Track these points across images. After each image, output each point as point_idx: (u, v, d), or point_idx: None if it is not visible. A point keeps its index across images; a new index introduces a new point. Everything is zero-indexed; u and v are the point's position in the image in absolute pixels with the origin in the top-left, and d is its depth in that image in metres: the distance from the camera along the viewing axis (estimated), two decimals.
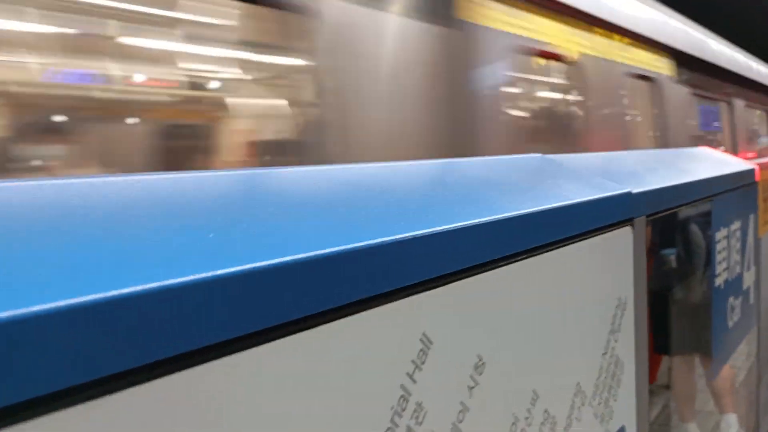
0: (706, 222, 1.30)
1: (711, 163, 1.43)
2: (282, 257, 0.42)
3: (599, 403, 0.83)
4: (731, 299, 1.39)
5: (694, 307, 1.53)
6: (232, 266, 0.38)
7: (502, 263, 0.65)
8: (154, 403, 0.33)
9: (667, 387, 1.78)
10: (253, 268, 0.39)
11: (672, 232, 1.48)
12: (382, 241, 0.49)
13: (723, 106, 4.19)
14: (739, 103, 4.34)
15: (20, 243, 0.35)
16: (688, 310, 1.50)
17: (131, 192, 0.47)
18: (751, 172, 1.52)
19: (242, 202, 0.53)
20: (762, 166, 2.19)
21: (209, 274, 0.36)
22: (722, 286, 1.32)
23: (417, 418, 0.53)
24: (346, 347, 0.47)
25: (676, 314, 1.46)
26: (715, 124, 4.35)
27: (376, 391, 0.49)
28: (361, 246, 0.46)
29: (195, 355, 0.35)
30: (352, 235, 0.48)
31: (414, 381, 0.53)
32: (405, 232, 0.51)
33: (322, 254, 0.44)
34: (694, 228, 1.45)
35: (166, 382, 0.34)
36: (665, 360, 1.67)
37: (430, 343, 0.55)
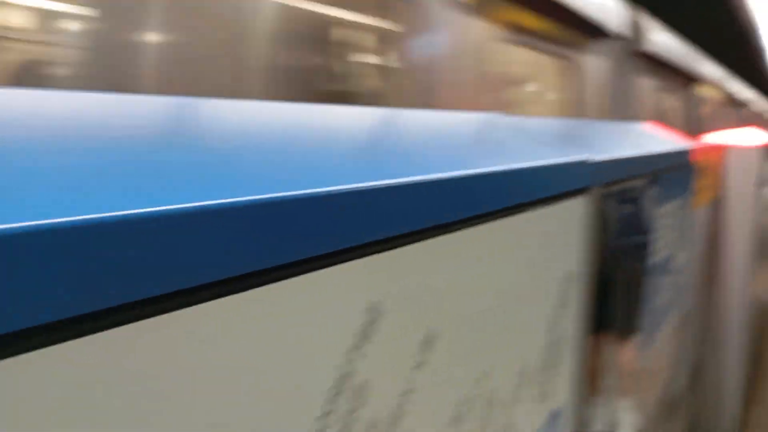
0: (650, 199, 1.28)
1: (655, 139, 1.40)
2: (199, 201, 0.32)
3: (541, 383, 0.78)
4: (664, 277, 1.39)
5: (620, 286, 1.53)
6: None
7: (456, 228, 0.57)
8: None
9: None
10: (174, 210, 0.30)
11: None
12: (321, 192, 0.40)
13: None
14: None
15: None
16: (612, 289, 1.49)
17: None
18: (690, 152, 1.51)
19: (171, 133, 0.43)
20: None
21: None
22: (657, 265, 1.31)
23: (358, 400, 0.45)
24: (279, 314, 0.38)
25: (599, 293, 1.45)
26: None
27: (313, 367, 0.41)
28: (294, 196, 0.37)
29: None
30: (282, 184, 0.38)
31: (356, 358, 0.44)
32: (346, 184, 0.42)
33: (246, 201, 0.34)
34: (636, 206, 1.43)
35: None
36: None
37: (379, 314, 0.47)
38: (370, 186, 0.45)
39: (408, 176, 0.50)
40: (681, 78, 4.47)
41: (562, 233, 0.83)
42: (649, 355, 1.79)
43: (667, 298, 1.47)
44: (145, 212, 0.29)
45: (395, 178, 0.48)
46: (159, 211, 0.30)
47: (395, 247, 0.49)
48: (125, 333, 0.29)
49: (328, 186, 0.41)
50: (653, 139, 1.41)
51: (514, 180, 0.68)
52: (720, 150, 3.27)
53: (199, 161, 0.39)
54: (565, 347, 0.85)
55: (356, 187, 0.43)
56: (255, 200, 0.35)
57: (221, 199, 0.33)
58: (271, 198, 0.36)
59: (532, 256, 0.75)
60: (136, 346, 0.29)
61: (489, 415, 0.66)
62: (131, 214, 0.28)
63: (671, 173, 1.33)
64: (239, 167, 0.40)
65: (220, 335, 0.34)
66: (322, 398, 0.42)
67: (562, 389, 0.87)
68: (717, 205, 3.39)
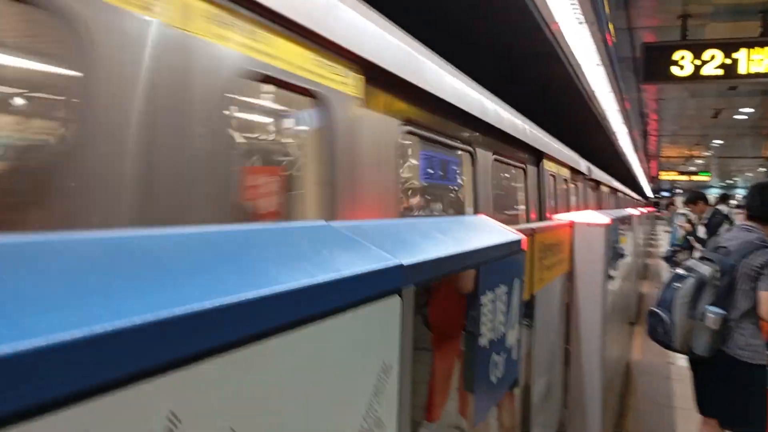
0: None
1: (485, 231, 1.60)
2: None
3: None
4: (495, 356, 1.56)
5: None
6: None
7: (269, 336, 0.68)
8: None
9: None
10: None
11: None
12: (131, 323, 0.50)
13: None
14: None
15: None
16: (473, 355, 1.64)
17: None
18: (518, 241, 1.72)
19: None
20: (537, 230, 2.48)
21: None
22: (486, 345, 1.47)
23: None
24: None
25: (469, 357, 1.59)
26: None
27: None
28: (94, 334, 0.47)
29: None
30: (84, 317, 0.48)
31: None
32: (148, 312, 0.52)
33: (46, 345, 0.43)
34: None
35: None
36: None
37: (179, 421, 0.56)
38: (199, 309, 0.55)
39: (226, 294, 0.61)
40: (596, 184, 9.01)
41: (378, 330, 0.96)
42: (509, 412, 1.94)
43: (501, 371, 1.64)
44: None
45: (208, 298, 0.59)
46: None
47: (202, 359, 0.59)
48: None
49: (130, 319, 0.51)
50: (484, 231, 1.60)
51: (326, 289, 0.80)
52: (569, 228, 3.62)
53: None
54: (383, 430, 0.96)
55: (173, 316, 0.53)
56: (64, 341, 0.44)
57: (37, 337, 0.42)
58: (75, 338, 0.45)
59: (349, 351, 0.87)
60: None
61: None
62: None
63: (495, 263, 1.52)
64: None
65: None
66: None
67: None
68: (571, 278, 3.72)
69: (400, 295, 1.00)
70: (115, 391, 0.49)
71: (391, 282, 0.97)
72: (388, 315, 0.98)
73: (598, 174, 9.67)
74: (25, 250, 0.55)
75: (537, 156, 5.23)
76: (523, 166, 4.81)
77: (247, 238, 0.85)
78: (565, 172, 6.58)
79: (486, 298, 1.45)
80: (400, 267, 1.00)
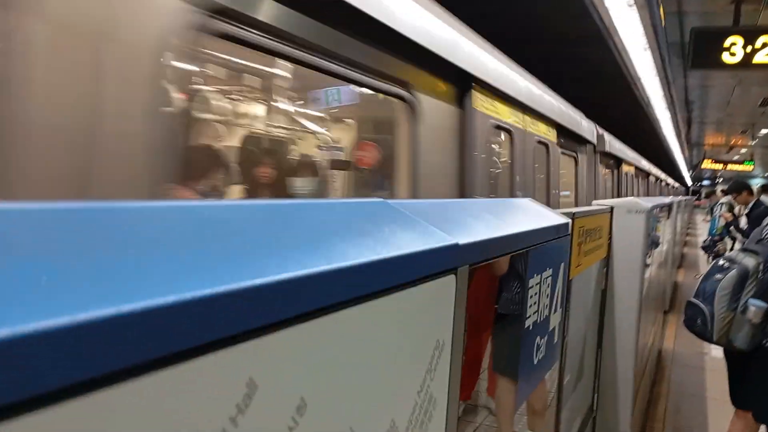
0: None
1: (533, 214, 1.60)
2: (102, 310, 0.43)
3: None
4: (538, 339, 1.56)
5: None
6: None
7: (334, 310, 0.70)
8: None
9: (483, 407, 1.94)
10: (85, 320, 0.41)
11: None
12: (205, 294, 0.52)
13: None
14: None
15: None
16: (511, 338, 1.66)
17: None
18: (566, 225, 1.71)
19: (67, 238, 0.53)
20: (577, 215, 2.47)
21: None
22: (531, 328, 1.48)
23: None
24: (172, 397, 0.49)
25: (506, 339, 1.61)
26: None
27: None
28: (185, 299, 0.49)
29: None
30: (178, 285, 0.50)
31: (236, 424, 0.55)
32: (232, 283, 0.54)
33: (147, 307, 0.45)
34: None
35: None
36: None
37: (255, 387, 0.58)
38: (275, 280, 0.57)
39: (301, 267, 0.63)
40: (638, 171, 7.69)
41: (434, 308, 0.97)
42: (542, 395, 1.95)
43: (542, 354, 1.64)
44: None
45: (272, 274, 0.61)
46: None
47: (271, 331, 0.61)
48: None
49: (217, 287, 0.53)
50: (531, 214, 1.60)
51: (390, 266, 0.82)
52: (609, 214, 3.58)
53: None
54: (435, 406, 0.98)
55: (253, 285, 0.55)
56: (162, 305, 0.46)
57: (138, 302, 0.44)
58: (171, 302, 0.48)
59: (406, 328, 0.89)
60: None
61: None
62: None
63: (545, 246, 1.52)
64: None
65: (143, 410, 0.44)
66: None
67: None
68: (607, 264, 3.68)
69: (455, 275, 1.01)
70: (204, 355, 0.51)
71: (448, 261, 0.98)
72: (443, 293, 0.99)
73: (640, 162, 8.94)
74: (110, 217, 0.57)
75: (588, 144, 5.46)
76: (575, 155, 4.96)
77: (311, 212, 0.86)
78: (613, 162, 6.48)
79: (533, 281, 1.45)
80: (457, 247, 1.01)
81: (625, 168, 8.56)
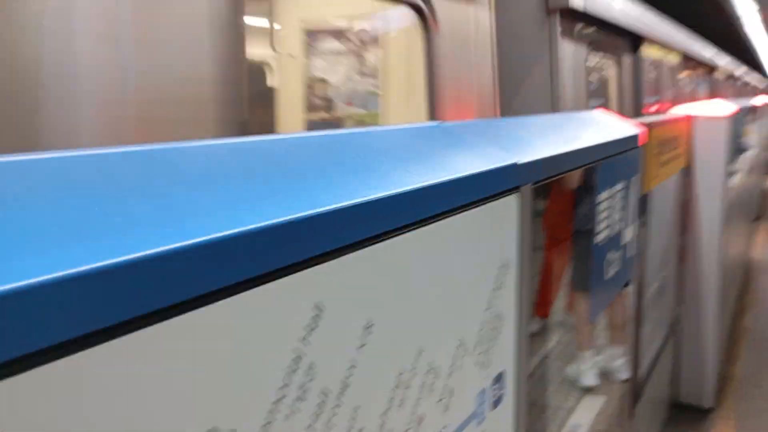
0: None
1: (600, 127, 1.55)
2: (180, 241, 0.46)
3: (480, 353, 0.93)
4: (610, 254, 1.54)
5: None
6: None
7: (395, 234, 0.72)
8: None
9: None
10: (153, 254, 0.44)
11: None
12: (276, 222, 0.55)
13: None
14: None
15: None
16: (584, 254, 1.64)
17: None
18: (635, 137, 1.66)
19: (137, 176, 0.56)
20: (653, 125, 2.36)
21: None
22: (602, 243, 1.46)
23: (309, 375, 0.60)
24: (246, 318, 0.52)
25: (580, 255, 1.60)
26: None
27: (271, 353, 0.56)
28: (255, 228, 0.52)
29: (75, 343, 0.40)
30: (245, 215, 0.53)
31: (307, 344, 0.59)
32: (298, 211, 0.56)
33: (221, 237, 0.49)
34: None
35: None
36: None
37: (322, 310, 0.62)
38: (338, 207, 0.59)
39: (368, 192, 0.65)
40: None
41: (497, 228, 0.98)
42: (621, 311, 1.95)
43: (616, 269, 1.63)
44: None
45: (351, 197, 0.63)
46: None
47: (341, 255, 0.64)
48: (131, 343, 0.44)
49: (284, 215, 0.55)
50: (599, 127, 1.55)
51: (453, 188, 0.83)
52: (688, 122, 3.41)
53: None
54: (503, 322, 1.00)
55: (317, 212, 0.58)
56: (233, 234, 0.50)
57: (211, 233, 0.48)
58: (241, 232, 0.51)
59: (469, 248, 0.91)
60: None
61: (432, 381, 0.82)
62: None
63: (612, 160, 1.48)
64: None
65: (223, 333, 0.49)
66: (282, 374, 0.57)
67: (504, 356, 1.03)
68: (688, 173, 3.54)
69: (519, 194, 1.00)
70: (276, 280, 0.55)
71: (508, 181, 0.98)
72: (506, 213, 0.99)
73: (718, 59, 7.60)
74: (166, 158, 0.60)
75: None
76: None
77: (370, 140, 0.88)
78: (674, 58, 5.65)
79: (603, 196, 1.42)
80: (515, 166, 1.00)
81: (723, 76, 7.73)
